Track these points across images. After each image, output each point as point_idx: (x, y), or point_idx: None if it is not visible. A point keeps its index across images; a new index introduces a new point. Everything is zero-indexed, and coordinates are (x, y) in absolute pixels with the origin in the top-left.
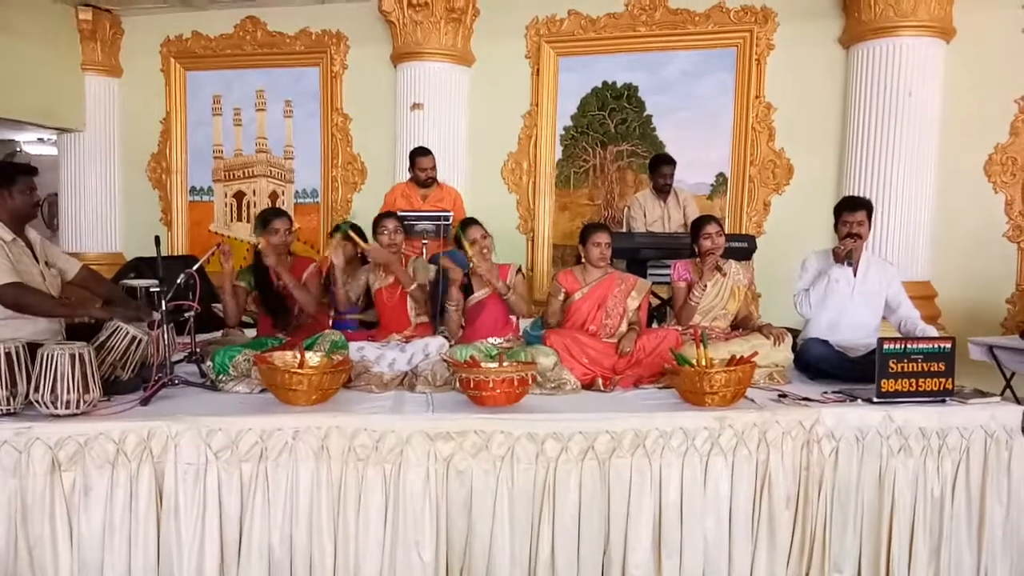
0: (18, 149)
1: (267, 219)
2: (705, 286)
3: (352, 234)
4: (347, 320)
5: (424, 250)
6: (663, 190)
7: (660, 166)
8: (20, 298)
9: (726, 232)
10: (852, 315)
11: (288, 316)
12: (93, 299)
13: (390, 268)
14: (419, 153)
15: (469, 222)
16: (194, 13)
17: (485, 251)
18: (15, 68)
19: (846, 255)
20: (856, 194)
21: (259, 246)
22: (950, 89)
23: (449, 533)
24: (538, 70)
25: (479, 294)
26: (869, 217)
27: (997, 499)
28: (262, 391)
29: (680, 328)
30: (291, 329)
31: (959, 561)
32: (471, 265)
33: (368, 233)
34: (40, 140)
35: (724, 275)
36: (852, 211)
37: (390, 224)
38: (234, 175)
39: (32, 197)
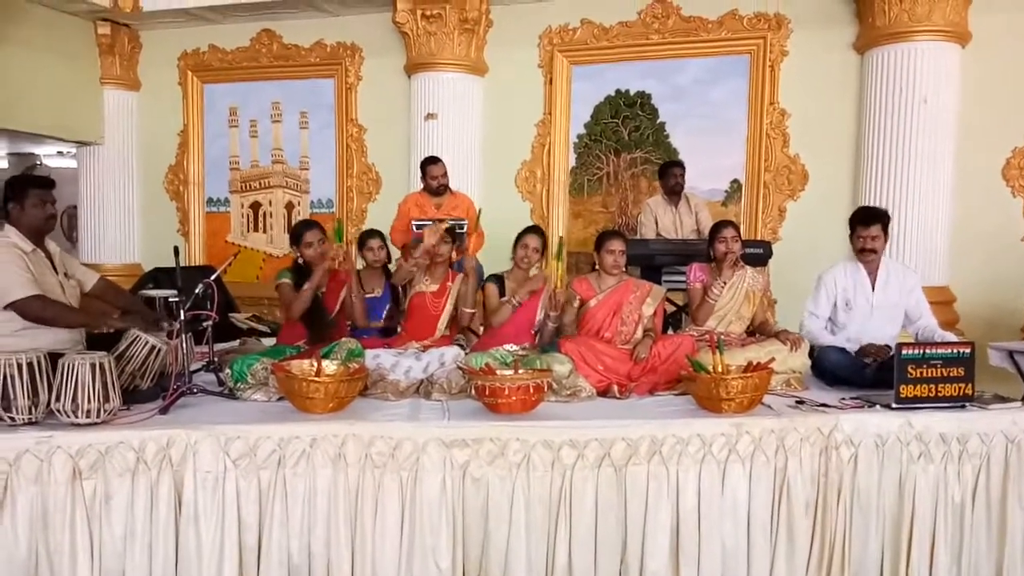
0: (38, 162)
1: (299, 233)
2: (724, 283)
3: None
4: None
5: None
6: (675, 191)
7: (670, 169)
8: (42, 311)
9: (741, 238)
10: (873, 330)
11: (326, 327)
12: (112, 310)
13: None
14: (429, 162)
15: (530, 229)
16: (211, 27)
17: (524, 261)
18: (35, 82)
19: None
20: (873, 199)
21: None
22: (966, 93)
23: (465, 540)
24: (551, 79)
25: (519, 295)
26: (885, 229)
27: (1019, 504)
28: (280, 399)
29: (696, 330)
30: (328, 339)
31: (978, 568)
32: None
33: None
34: (60, 153)
35: (742, 268)
36: (866, 225)
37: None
38: (250, 186)
39: (45, 210)
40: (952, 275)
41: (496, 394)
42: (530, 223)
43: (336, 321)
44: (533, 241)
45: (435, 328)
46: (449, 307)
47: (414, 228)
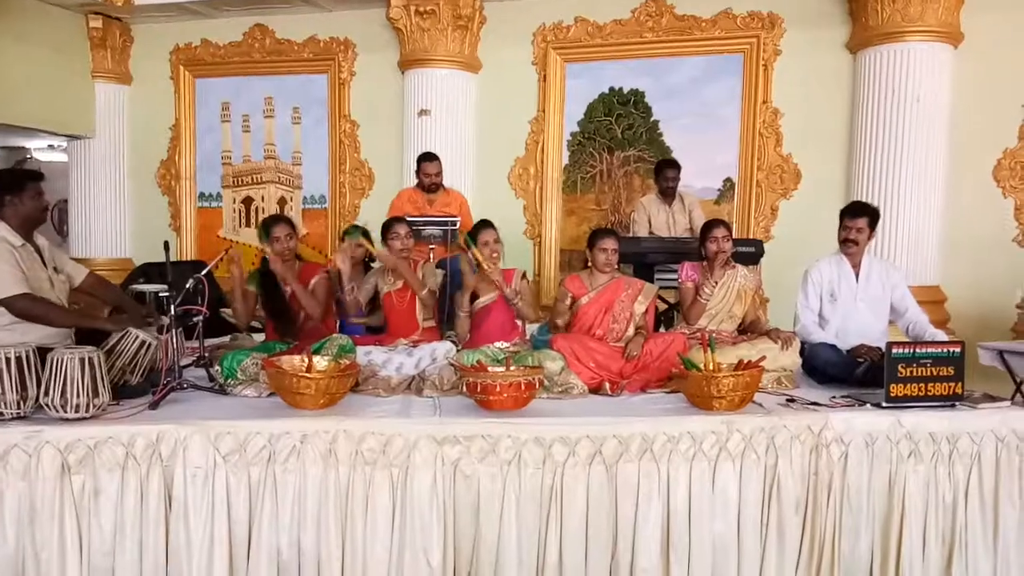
0: (29, 156)
1: (267, 227)
2: (715, 283)
3: (363, 239)
4: (353, 325)
5: (431, 255)
6: (667, 193)
7: (664, 169)
8: (31, 309)
9: (734, 237)
10: (858, 321)
11: (291, 323)
12: (101, 306)
13: (400, 272)
14: (425, 158)
15: (483, 224)
16: (203, 21)
17: (494, 255)
18: (26, 76)
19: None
20: (864, 199)
21: (266, 255)
22: (958, 94)
23: (456, 537)
24: (545, 76)
25: (485, 298)
26: (872, 224)
27: (1010, 504)
28: (270, 395)
29: (687, 328)
30: (294, 335)
31: (976, 568)
32: (477, 270)
33: (376, 238)
34: (50, 147)
35: (734, 268)
36: (853, 217)
37: (401, 230)
38: (243, 181)
39: (41, 202)
40: (943, 274)
41: (488, 391)
42: (523, 220)
43: (295, 314)
44: (491, 235)
45: (415, 322)
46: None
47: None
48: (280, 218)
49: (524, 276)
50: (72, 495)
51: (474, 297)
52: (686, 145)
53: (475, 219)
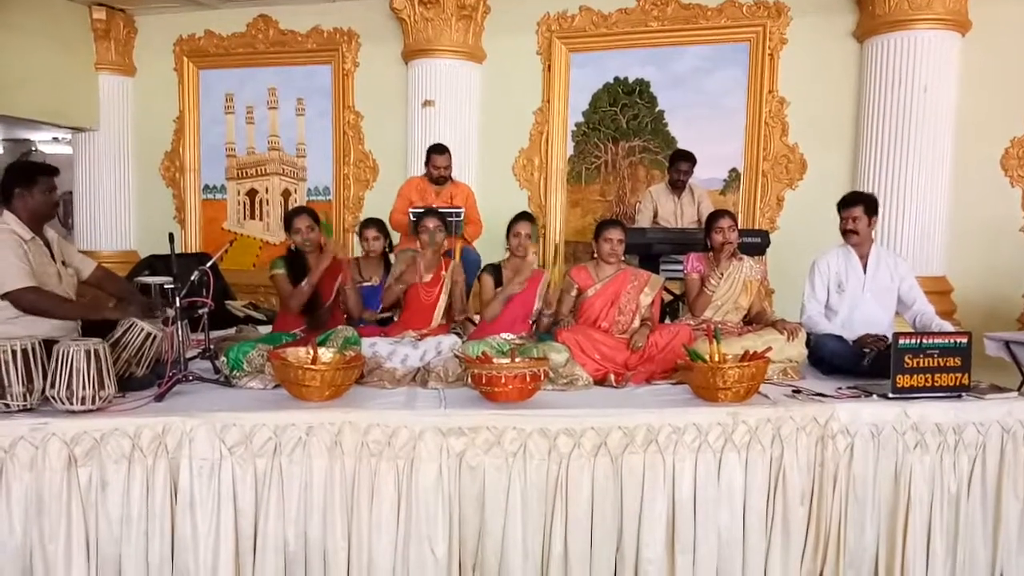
0: (33, 148)
1: (289, 219)
2: (721, 274)
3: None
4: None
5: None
6: (677, 185)
7: (677, 161)
8: (37, 303)
9: (739, 228)
10: (865, 312)
11: (322, 315)
12: (107, 298)
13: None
14: (435, 151)
15: (520, 216)
16: (207, 12)
17: (520, 249)
18: (30, 68)
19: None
20: (871, 189)
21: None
22: (966, 82)
23: (462, 528)
24: (549, 66)
25: (511, 287)
26: (869, 212)
27: (1014, 495)
28: (276, 387)
29: (693, 319)
30: (321, 326)
31: (974, 557)
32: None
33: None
34: (55, 139)
35: (740, 259)
36: (848, 207)
37: (431, 223)
38: (247, 173)
39: (52, 196)
40: (950, 265)
41: (493, 382)
42: (528, 211)
43: (331, 309)
44: (524, 228)
45: (431, 318)
46: (444, 296)
47: (410, 216)
48: (301, 209)
49: (549, 285)
50: (79, 487)
51: (499, 282)
52: (691, 135)
53: (481, 212)
